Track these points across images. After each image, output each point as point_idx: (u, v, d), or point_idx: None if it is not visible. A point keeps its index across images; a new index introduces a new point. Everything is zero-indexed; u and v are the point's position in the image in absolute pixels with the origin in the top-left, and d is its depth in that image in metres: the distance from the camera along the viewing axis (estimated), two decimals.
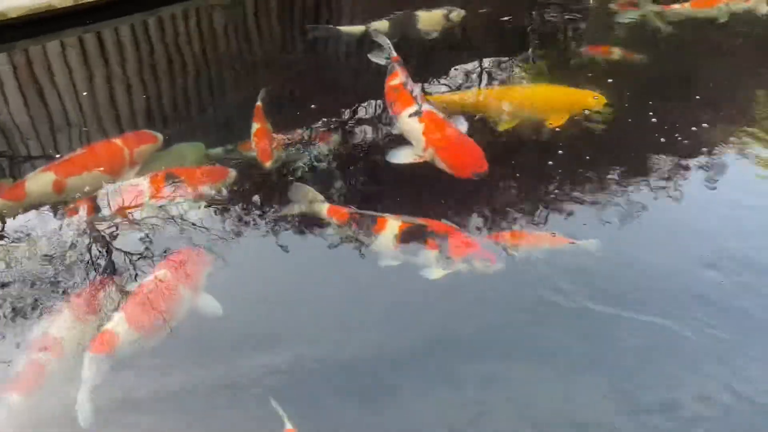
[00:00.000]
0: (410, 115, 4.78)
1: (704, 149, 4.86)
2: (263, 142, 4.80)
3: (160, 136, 4.92)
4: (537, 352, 3.47)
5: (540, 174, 4.66)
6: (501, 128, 4.98)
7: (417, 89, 5.04)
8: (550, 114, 5.07)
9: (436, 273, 3.73)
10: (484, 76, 6.02)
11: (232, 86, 6.08)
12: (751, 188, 4.56)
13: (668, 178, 4.63)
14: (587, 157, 4.82)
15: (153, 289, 3.63)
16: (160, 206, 4.31)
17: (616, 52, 6.00)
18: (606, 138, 5.02)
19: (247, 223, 4.36)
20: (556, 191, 4.53)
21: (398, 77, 5.18)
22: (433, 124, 4.68)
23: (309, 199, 4.29)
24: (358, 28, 6.50)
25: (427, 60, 6.27)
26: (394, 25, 6.54)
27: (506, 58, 6.29)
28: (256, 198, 4.46)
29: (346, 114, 5.42)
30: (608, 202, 4.43)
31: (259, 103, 5.10)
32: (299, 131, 5.01)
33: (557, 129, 4.95)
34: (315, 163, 4.75)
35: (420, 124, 4.68)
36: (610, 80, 5.53)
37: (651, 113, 5.13)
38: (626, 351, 3.47)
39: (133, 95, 5.86)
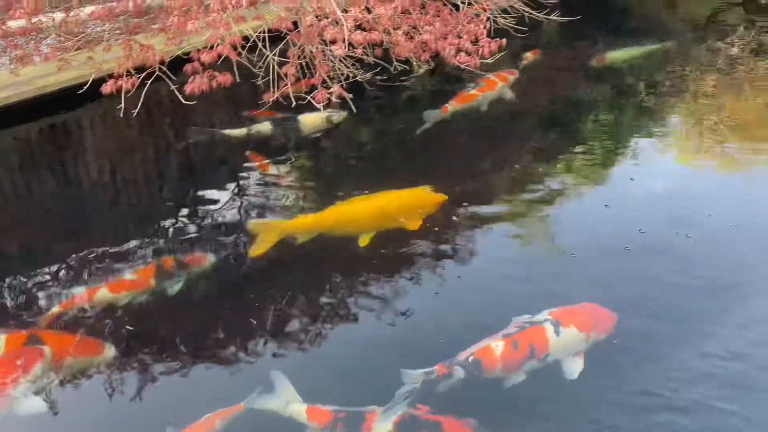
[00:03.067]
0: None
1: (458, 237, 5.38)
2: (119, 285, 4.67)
3: None
4: None
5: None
6: (362, 243, 5.07)
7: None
8: (405, 217, 5.28)
9: None
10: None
11: None
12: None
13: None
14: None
15: None
16: None
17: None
18: None
19: None
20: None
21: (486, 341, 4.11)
22: (571, 319, 4.18)
23: (285, 397, 3.79)
24: (240, 131, 6.75)
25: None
26: (276, 127, 6.80)
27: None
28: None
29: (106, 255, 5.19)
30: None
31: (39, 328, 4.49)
32: (169, 258, 4.95)
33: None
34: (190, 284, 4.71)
35: (570, 329, 4.12)
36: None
37: None
38: None
39: None
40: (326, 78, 6.44)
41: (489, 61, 6.81)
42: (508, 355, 3.97)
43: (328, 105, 6.39)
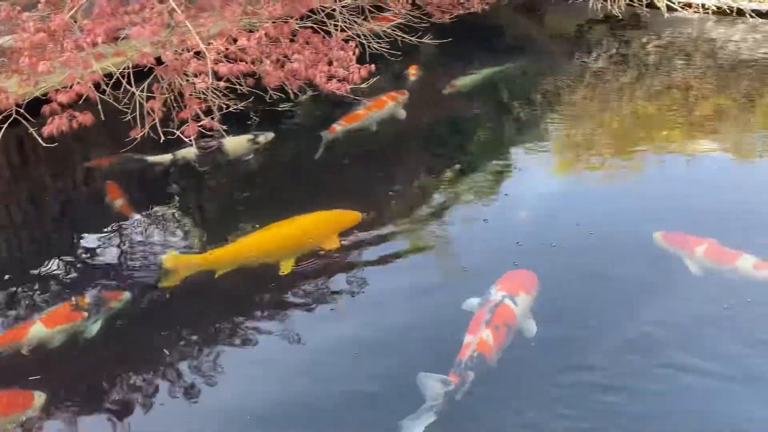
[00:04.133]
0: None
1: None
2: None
3: None
4: None
5: None
6: (284, 270, 5.09)
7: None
8: (324, 240, 5.35)
9: None
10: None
11: None
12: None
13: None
14: None
15: None
16: None
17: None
18: None
19: None
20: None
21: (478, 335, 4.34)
22: (517, 288, 4.66)
23: None
24: (166, 157, 6.61)
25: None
26: (203, 153, 6.70)
27: None
28: None
29: None
30: None
31: None
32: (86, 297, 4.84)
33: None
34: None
35: (521, 297, 4.59)
36: None
37: None
38: None
39: None
40: (198, 111, 6.29)
41: (364, 86, 6.88)
42: (498, 338, 4.26)
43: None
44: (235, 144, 6.98)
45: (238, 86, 6.75)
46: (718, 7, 11.41)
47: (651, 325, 4.59)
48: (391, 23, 8.75)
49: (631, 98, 8.99)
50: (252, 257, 5.26)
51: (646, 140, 7.82)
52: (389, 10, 9.05)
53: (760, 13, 11.33)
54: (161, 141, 6.08)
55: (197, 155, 6.72)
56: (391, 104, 7.94)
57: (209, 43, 5.85)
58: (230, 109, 6.64)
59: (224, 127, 6.50)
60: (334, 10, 7.94)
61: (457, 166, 7.08)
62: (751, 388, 4.12)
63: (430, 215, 6.13)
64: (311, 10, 7.67)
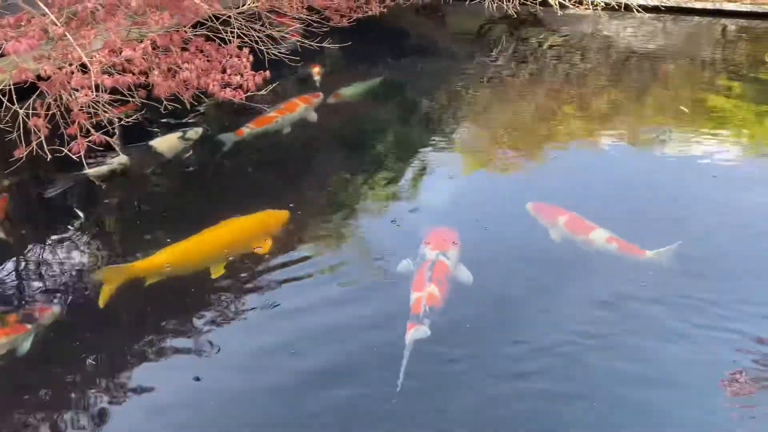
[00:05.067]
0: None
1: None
2: None
3: None
4: None
5: None
6: (215, 275, 5.06)
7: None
8: (257, 241, 5.37)
9: None
10: None
11: None
12: None
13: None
14: None
15: None
16: None
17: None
18: None
19: None
20: None
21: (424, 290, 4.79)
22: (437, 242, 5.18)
23: None
24: (103, 168, 6.45)
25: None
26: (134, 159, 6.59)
27: None
28: None
29: None
30: None
31: None
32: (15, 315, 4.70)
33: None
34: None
35: (450, 251, 5.09)
36: None
37: None
38: None
39: None
40: (89, 126, 6.03)
41: (263, 93, 6.79)
42: (442, 290, 4.71)
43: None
44: (167, 143, 6.87)
45: (130, 98, 6.53)
46: (607, 3, 11.89)
47: (576, 307, 4.77)
48: (291, 28, 8.68)
49: (529, 95, 9.24)
50: (185, 263, 5.17)
51: (544, 135, 8.05)
52: (286, 15, 8.97)
53: (646, 8, 11.89)
54: (48, 159, 5.81)
55: (132, 162, 6.58)
56: (303, 107, 7.86)
57: (93, 56, 5.62)
58: (122, 122, 6.40)
59: (118, 142, 6.28)
60: (229, 17, 7.79)
61: (363, 169, 7.09)
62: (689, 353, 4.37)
63: (339, 218, 6.12)
64: (206, 18, 7.51)
